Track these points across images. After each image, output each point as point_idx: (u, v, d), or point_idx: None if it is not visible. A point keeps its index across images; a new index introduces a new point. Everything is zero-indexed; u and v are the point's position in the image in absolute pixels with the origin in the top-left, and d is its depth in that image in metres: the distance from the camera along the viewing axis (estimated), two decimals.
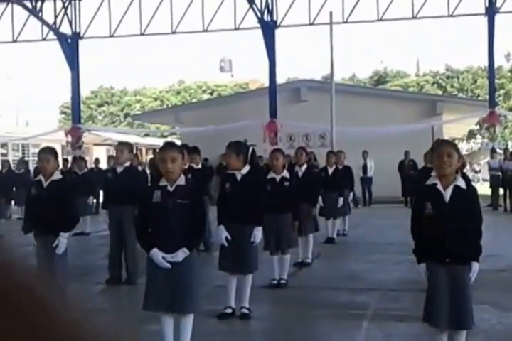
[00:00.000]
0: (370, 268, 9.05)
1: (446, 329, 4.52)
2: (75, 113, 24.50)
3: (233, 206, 6.14)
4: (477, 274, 8.32)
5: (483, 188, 20.46)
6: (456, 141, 45.60)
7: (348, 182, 12.96)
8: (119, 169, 8.31)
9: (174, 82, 51.39)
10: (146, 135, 46.44)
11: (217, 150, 23.53)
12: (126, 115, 49.72)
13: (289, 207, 7.57)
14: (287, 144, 24.24)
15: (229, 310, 6.19)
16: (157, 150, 26.46)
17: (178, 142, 29.28)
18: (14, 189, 18.03)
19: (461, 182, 4.56)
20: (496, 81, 40.73)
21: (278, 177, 7.65)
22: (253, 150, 6.42)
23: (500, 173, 18.96)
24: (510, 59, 41.25)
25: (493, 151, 20.28)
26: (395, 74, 44.66)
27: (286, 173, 7.73)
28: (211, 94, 47.77)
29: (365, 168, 21.82)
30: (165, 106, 47.71)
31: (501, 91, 40.23)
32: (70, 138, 23.99)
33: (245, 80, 50.58)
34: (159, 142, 38.34)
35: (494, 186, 19.48)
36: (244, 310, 6.21)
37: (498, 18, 20.19)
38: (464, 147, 48.39)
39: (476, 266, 4.50)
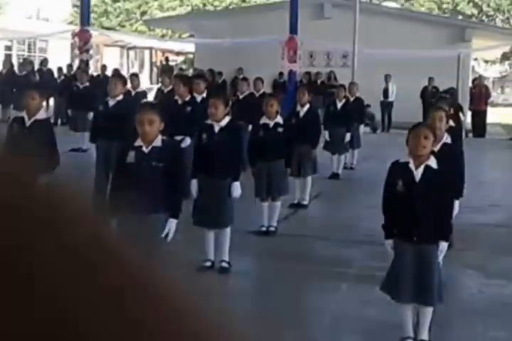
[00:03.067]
0: (368, 215, 9.13)
1: (411, 303, 4.71)
2: (84, 14, 24.14)
3: (210, 159, 6.23)
4: (471, 228, 8.49)
5: None
6: (489, 64, 44.87)
7: (359, 115, 12.97)
8: (111, 102, 8.35)
9: None
10: (163, 36, 45.87)
11: (232, 63, 23.44)
12: (143, 13, 48.85)
13: (281, 153, 7.66)
14: (307, 62, 24.01)
15: (208, 263, 6.38)
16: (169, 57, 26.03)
17: (193, 49, 28.93)
18: (15, 90, 17.79)
19: (433, 162, 4.73)
20: None
21: (271, 123, 7.70)
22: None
23: None
24: None
25: None
26: None
27: (279, 119, 7.78)
28: None
29: (386, 92, 21.72)
30: (184, 6, 46.81)
31: None
32: (77, 41, 23.76)
33: None
34: (176, 46, 37.90)
35: None
36: (224, 264, 6.40)
37: None
38: (497, 69, 47.56)
39: (443, 245, 4.73)
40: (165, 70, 25.02)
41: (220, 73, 23.40)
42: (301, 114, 9.40)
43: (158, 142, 4.91)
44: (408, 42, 21.08)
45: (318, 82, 22.88)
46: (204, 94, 10.89)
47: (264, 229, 7.82)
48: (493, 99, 38.47)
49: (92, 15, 50.05)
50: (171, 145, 5.16)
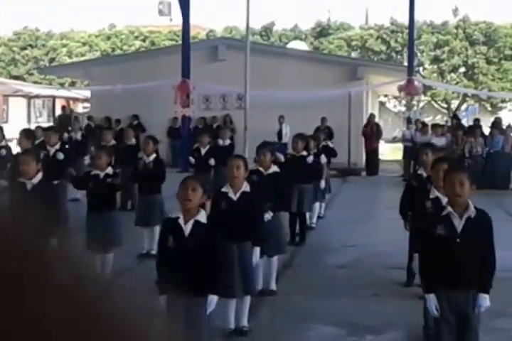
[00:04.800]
0: None
1: None
2: None
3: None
4: (312, 270, 8.80)
5: None
6: (395, 100, 46.20)
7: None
8: None
9: (105, 26, 50.67)
10: (73, 83, 46.03)
11: (128, 110, 23.68)
12: (52, 60, 48.99)
13: (112, 204, 8.00)
14: (203, 106, 24.42)
15: None
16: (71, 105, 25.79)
17: (88, 94, 29.01)
18: None
19: (202, 217, 4.97)
20: (441, 37, 41.29)
21: (101, 174, 8.00)
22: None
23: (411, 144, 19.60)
24: (458, 14, 41.53)
25: (408, 121, 20.84)
26: (339, 27, 44.71)
27: (110, 170, 8.07)
28: (144, 40, 47.28)
29: (280, 134, 22.15)
30: (93, 52, 47.17)
31: (446, 48, 40.70)
32: None
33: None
34: (82, 94, 38.08)
35: (406, 157, 20.12)
36: None
37: None
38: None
39: (212, 298, 4.91)
40: (62, 119, 25.08)
41: (118, 120, 23.63)
42: (147, 162, 9.74)
43: None
44: (301, 82, 21.74)
45: (214, 126, 23.27)
46: (57, 146, 11.14)
47: None
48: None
49: (0, 63, 50.30)
50: None
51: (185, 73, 21.98)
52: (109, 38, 48.31)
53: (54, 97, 35.15)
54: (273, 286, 7.77)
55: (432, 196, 6.32)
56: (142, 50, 36.54)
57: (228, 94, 24.17)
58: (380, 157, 24.57)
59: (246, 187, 6.26)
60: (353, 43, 42.98)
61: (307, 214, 11.54)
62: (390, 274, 8.69)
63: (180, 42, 45.10)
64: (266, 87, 20.72)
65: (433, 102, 45.36)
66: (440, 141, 18.11)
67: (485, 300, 4.87)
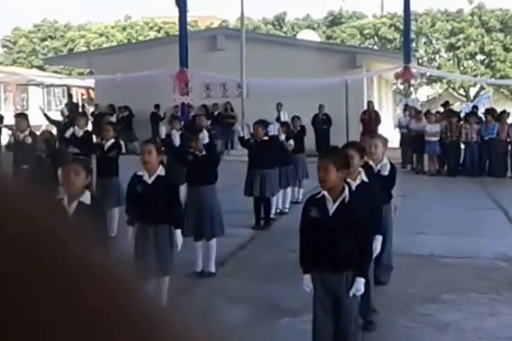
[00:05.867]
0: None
1: None
2: None
3: None
4: (250, 254, 8.72)
5: None
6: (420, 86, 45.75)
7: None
8: None
9: (120, 18, 50.94)
10: (91, 72, 46.31)
11: (129, 98, 23.78)
12: (70, 50, 49.36)
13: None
14: (204, 94, 24.46)
15: None
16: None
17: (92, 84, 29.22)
18: None
19: (86, 198, 5.14)
20: (457, 25, 40.83)
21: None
22: None
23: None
24: (473, 1, 41.01)
25: (405, 108, 20.61)
26: (351, 16, 44.34)
27: None
28: (158, 31, 47.41)
29: (278, 121, 22.05)
30: (112, 43, 47.46)
31: (461, 36, 40.20)
32: None
33: (202, 16, 50.00)
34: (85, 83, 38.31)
35: (402, 144, 19.94)
36: None
37: None
38: (425, 92, 48.50)
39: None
40: (70, 108, 25.20)
41: (127, 107, 23.96)
42: (105, 147, 9.81)
43: None
44: (301, 70, 21.67)
45: (215, 113, 23.34)
46: (26, 132, 11.22)
47: None
48: None
49: (21, 54, 50.88)
50: None
51: (182, 62, 21.98)
52: (124, 28, 48.53)
53: (68, 87, 35.41)
54: (211, 269, 7.77)
55: None
56: (144, 40, 36.65)
57: (229, 83, 24.17)
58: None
59: (161, 171, 6.32)
60: (366, 32, 42.65)
61: (275, 199, 11.59)
62: None
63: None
64: (265, 76, 20.67)
65: (451, 90, 44.90)
66: (434, 128, 17.94)
67: (360, 284, 4.84)
